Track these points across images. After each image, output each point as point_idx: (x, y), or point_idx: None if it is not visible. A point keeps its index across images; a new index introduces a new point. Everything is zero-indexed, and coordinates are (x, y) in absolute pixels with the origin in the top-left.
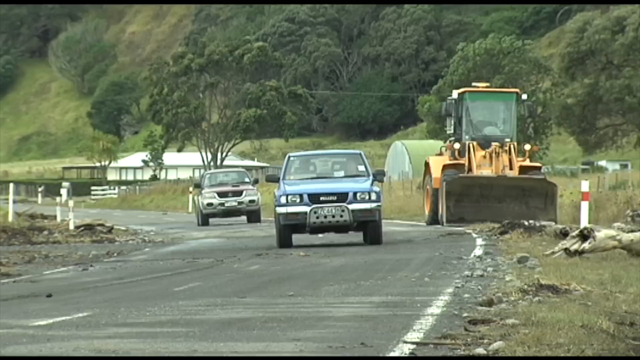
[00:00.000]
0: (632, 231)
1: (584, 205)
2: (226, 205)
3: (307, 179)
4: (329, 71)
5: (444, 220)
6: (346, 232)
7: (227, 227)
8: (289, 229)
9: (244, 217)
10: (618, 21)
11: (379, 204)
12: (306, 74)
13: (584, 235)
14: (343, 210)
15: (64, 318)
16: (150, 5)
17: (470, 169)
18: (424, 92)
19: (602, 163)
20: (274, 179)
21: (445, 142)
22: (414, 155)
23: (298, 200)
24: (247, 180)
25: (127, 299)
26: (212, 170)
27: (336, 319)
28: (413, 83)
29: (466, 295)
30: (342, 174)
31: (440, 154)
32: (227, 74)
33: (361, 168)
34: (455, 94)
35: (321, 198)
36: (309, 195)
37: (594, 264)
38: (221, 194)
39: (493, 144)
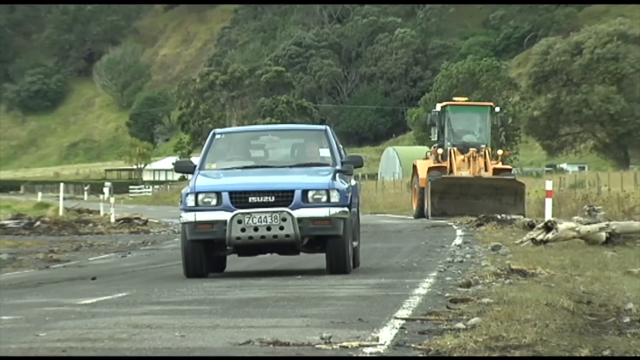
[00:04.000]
0: (589, 223)
1: (548, 202)
2: None
3: (237, 168)
4: (331, 87)
5: (429, 214)
6: (293, 253)
7: None
8: (200, 248)
9: None
10: (576, 45)
11: (345, 209)
12: (312, 89)
13: (548, 227)
14: (284, 219)
15: (106, 297)
16: (179, 31)
17: (451, 171)
18: (412, 105)
19: (563, 165)
20: (186, 169)
21: (430, 148)
22: (403, 159)
23: (214, 201)
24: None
25: (160, 281)
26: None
27: (337, 298)
28: (403, 97)
29: (448, 278)
30: (293, 160)
31: (426, 158)
32: (245, 90)
33: (324, 153)
34: (438, 107)
35: (250, 199)
36: (232, 193)
37: (557, 252)
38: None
39: (470, 149)
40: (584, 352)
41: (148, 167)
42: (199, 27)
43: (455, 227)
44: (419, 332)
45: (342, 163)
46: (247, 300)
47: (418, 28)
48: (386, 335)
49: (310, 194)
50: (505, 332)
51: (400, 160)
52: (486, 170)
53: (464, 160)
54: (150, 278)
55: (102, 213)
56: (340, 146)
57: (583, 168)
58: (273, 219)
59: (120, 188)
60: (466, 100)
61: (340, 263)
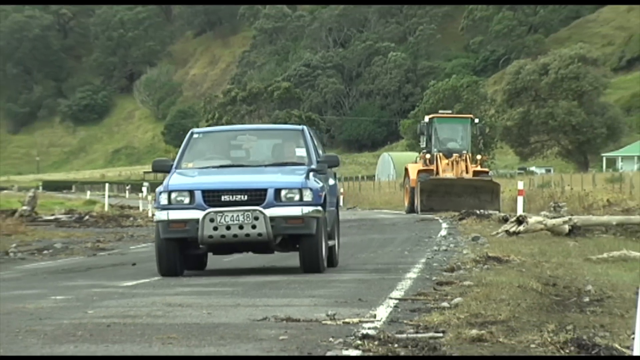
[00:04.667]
0: (554, 218)
1: (520, 199)
2: None
3: (213, 167)
4: (335, 102)
5: (419, 210)
6: (268, 252)
7: None
8: (174, 247)
9: None
10: (543, 66)
11: (318, 208)
12: (318, 104)
13: (519, 221)
14: (256, 218)
15: (144, 280)
16: (206, 55)
17: (437, 173)
18: (404, 117)
19: (533, 168)
20: (163, 168)
21: (419, 153)
22: (397, 163)
23: (187, 200)
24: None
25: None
26: None
27: (340, 281)
28: (396, 110)
29: (435, 264)
30: (270, 160)
31: (416, 162)
32: (262, 104)
33: (301, 152)
34: (426, 118)
35: (223, 197)
36: (204, 192)
37: (527, 242)
38: None
39: (454, 154)
40: (550, 327)
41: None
42: (223, 51)
43: (441, 220)
44: (410, 310)
45: (318, 162)
46: (263, 282)
47: (409, 51)
48: (382, 312)
49: (283, 192)
50: (484, 310)
51: (394, 164)
52: (467, 172)
53: (448, 164)
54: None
55: (141, 209)
56: (319, 146)
57: (549, 171)
58: (245, 217)
59: (156, 187)
60: (450, 113)
61: (314, 262)
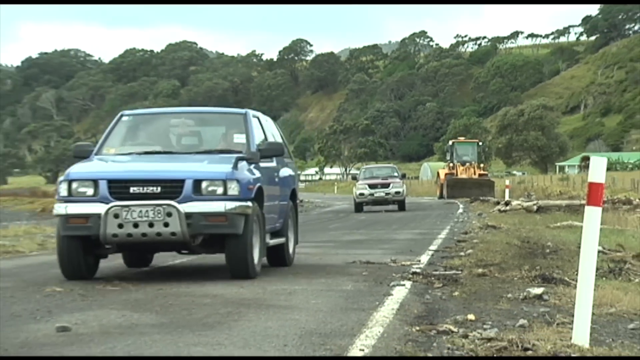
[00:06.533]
0: (527, 202)
1: (507, 191)
2: (375, 195)
3: (136, 153)
4: (395, 132)
5: (445, 197)
6: (191, 253)
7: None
8: (76, 246)
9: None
10: (521, 111)
11: (247, 203)
12: (385, 134)
13: (506, 203)
14: (169, 214)
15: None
16: (318, 105)
17: (456, 175)
18: (436, 141)
19: (515, 172)
20: (82, 154)
21: (445, 163)
22: (432, 169)
23: (90, 191)
24: (395, 174)
25: (308, 231)
26: (368, 166)
27: (398, 240)
28: (432, 137)
29: (455, 230)
30: (203, 147)
31: (444, 168)
32: (352, 134)
33: (240, 139)
34: (450, 142)
35: (132, 189)
36: (110, 182)
37: (511, 216)
38: (371, 186)
39: (466, 164)
40: (526, 267)
41: (303, 173)
42: (328, 102)
43: (459, 203)
44: (441, 257)
45: (258, 150)
46: (351, 241)
47: (439, 102)
48: (424, 258)
49: (203, 185)
50: (485, 257)
51: (430, 169)
52: (474, 174)
53: (463, 170)
54: (304, 230)
55: None
56: (278, 136)
57: (524, 173)
58: (156, 213)
59: None
60: (464, 139)
61: (241, 266)
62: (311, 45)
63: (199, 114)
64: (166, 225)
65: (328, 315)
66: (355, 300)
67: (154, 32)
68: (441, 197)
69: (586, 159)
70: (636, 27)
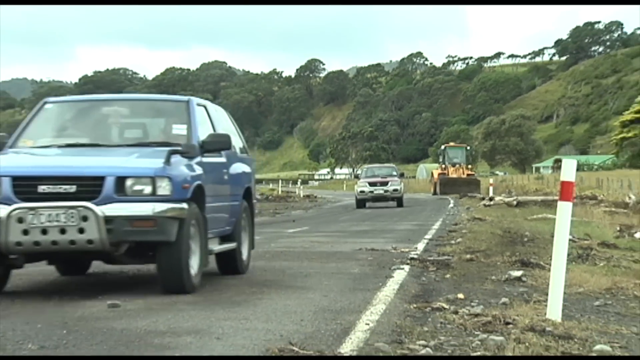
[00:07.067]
0: (508, 198)
1: (491, 188)
2: (375, 192)
3: (58, 146)
4: (396, 138)
5: (438, 194)
6: (115, 263)
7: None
8: None
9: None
10: (502, 120)
11: (181, 205)
12: (387, 139)
13: (490, 199)
14: (84, 218)
15: (298, 229)
16: (330, 115)
17: (448, 174)
18: (431, 146)
19: (497, 172)
20: None
21: (439, 164)
22: (427, 169)
23: None
24: (394, 173)
25: (321, 222)
26: (369, 165)
27: (398, 230)
28: (427, 142)
29: (447, 221)
30: (136, 138)
31: (437, 169)
32: (358, 140)
33: (179, 130)
34: (443, 146)
35: (41, 188)
36: (15, 180)
37: (495, 210)
38: (372, 184)
39: (456, 165)
40: (507, 253)
41: (317, 173)
42: (338, 112)
43: (450, 199)
44: (435, 244)
45: (203, 143)
46: (358, 231)
47: (433, 112)
48: (420, 246)
49: (128, 183)
50: (472, 245)
51: (426, 170)
52: (463, 174)
53: (453, 170)
54: (317, 221)
55: (297, 193)
56: (233, 130)
57: (505, 173)
58: (69, 217)
59: (305, 183)
60: (455, 143)
61: (174, 278)
62: (324, 64)
63: (134, 102)
64: (81, 231)
65: (338, 294)
66: (362, 282)
67: (189, 53)
68: (435, 193)
69: (558, 161)
70: (600, 49)
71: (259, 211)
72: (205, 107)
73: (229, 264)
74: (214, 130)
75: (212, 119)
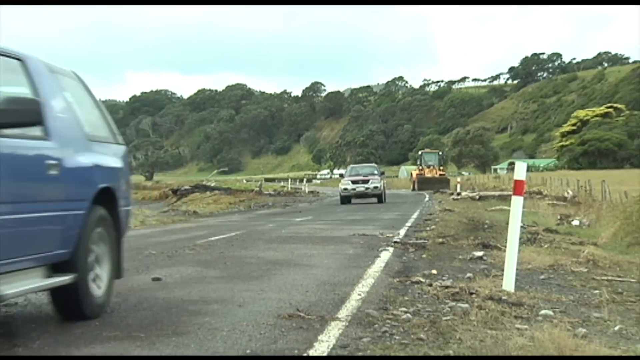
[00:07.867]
0: (472, 193)
1: (458, 185)
2: (357, 190)
3: None
4: (382, 146)
5: (416, 190)
6: None
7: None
8: None
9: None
10: (467, 131)
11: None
12: (375, 146)
13: (458, 194)
14: None
15: (304, 218)
16: (329, 126)
17: (424, 174)
18: (410, 151)
19: (464, 173)
20: None
21: (417, 166)
22: (407, 170)
23: None
24: (375, 172)
25: (322, 213)
26: (353, 165)
27: (384, 219)
28: (407, 148)
29: (423, 212)
30: None
31: (416, 170)
32: (352, 146)
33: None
34: (420, 152)
35: None
36: None
37: (462, 202)
38: (354, 182)
39: (431, 167)
40: (471, 238)
41: (319, 173)
42: (335, 124)
43: (426, 194)
44: (413, 231)
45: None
46: (351, 220)
47: (413, 125)
48: (402, 232)
49: None
50: (444, 231)
51: (406, 171)
52: (436, 174)
53: (429, 171)
54: (319, 212)
55: (303, 189)
56: (88, 103)
57: (469, 174)
58: None
59: (309, 181)
60: (430, 149)
61: None
62: (324, 86)
63: None
64: None
65: (336, 271)
66: (355, 261)
67: (216, 76)
68: (414, 189)
69: (512, 164)
70: (544, 75)
71: (272, 204)
72: (22, 60)
73: (68, 304)
74: (39, 97)
75: (33, 79)
